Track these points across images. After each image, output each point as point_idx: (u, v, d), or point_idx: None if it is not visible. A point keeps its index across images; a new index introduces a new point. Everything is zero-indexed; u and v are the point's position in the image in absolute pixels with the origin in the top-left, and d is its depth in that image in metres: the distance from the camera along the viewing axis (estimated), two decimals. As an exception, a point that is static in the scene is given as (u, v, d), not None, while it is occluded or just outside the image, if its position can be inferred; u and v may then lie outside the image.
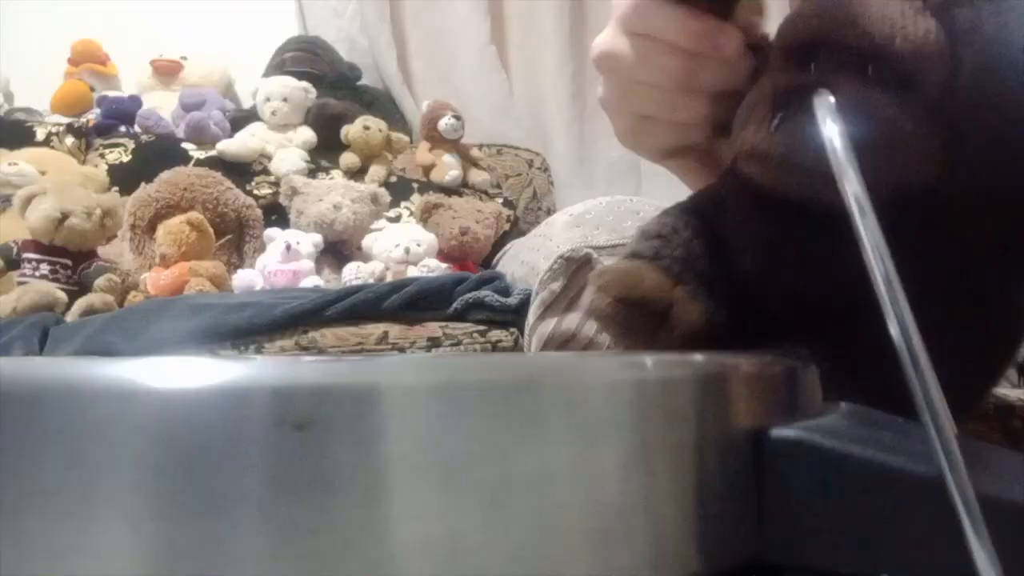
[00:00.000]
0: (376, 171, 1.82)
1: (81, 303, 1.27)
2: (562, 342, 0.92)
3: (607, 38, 0.38)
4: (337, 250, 1.58)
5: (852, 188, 0.27)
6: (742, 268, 0.38)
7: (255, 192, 1.73)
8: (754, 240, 0.38)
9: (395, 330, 1.19)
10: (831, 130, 0.29)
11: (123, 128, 1.90)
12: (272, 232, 1.51)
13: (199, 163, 1.73)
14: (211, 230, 1.46)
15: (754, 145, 0.34)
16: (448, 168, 1.85)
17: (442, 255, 1.57)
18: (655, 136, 0.40)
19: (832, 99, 0.31)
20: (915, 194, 0.33)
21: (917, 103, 0.33)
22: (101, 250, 1.41)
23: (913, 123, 0.33)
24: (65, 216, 1.30)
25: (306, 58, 2.05)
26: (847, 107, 0.31)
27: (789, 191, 0.34)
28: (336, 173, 1.83)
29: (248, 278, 1.44)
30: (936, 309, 0.27)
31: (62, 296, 1.28)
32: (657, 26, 0.36)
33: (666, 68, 0.36)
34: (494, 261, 1.60)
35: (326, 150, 1.87)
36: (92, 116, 1.94)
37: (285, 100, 1.85)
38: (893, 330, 0.24)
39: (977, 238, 0.36)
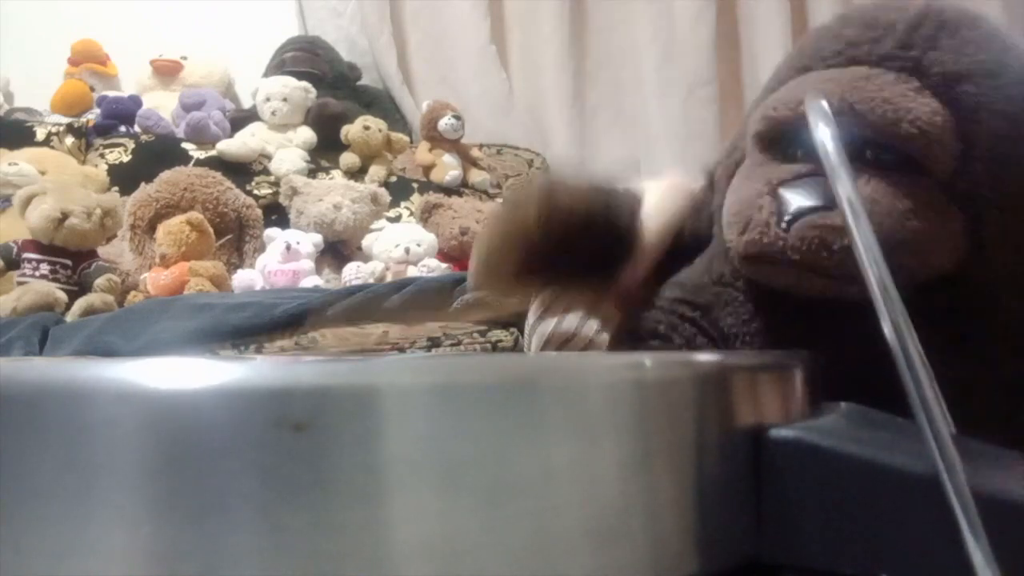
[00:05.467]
0: (376, 171, 1.82)
1: (81, 303, 1.26)
2: (562, 342, 0.92)
3: None
4: (337, 250, 1.58)
5: (845, 190, 0.27)
6: None
7: (255, 192, 1.72)
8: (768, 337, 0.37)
9: (395, 330, 1.19)
10: (823, 134, 0.28)
11: (123, 128, 1.89)
12: (272, 232, 1.51)
13: (199, 163, 1.73)
14: (211, 230, 1.46)
15: (763, 249, 0.33)
16: (448, 168, 1.85)
17: (442, 255, 1.57)
18: None
19: (824, 103, 0.30)
20: (940, 281, 0.32)
21: (928, 186, 0.31)
22: (101, 250, 1.40)
23: (924, 207, 0.31)
24: (65, 216, 1.29)
25: (306, 58, 2.04)
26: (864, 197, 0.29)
27: (809, 289, 0.33)
28: (336, 173, 1.83)
29: (248, 278, 1.44)
30: (963, 390, 0.27)
31: (62, 296, 1.28)
32: None
33: None
34: (494, 261, 1.59)
35: (326, 150, 1.86)
36: (92, 116, 1.93)
37: (285, 100, 1.84)
38: (887, 330, 0.24)
39: (1006, 319, 0.34)
